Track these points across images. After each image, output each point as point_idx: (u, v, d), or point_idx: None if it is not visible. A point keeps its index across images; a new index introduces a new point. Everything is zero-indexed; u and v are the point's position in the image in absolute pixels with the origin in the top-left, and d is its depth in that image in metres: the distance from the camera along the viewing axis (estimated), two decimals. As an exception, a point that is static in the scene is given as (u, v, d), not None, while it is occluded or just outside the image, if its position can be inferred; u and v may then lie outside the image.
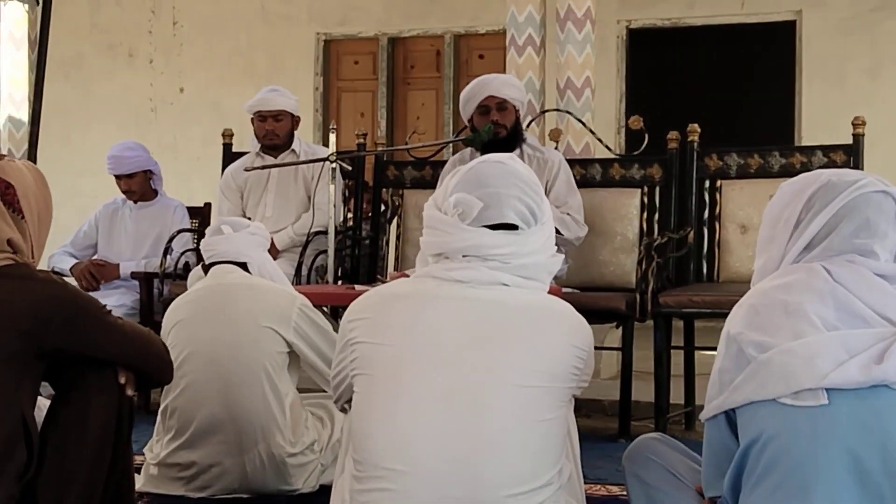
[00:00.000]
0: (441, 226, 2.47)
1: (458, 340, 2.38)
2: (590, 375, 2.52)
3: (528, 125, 5.63)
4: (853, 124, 5.01)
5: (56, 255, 5.90)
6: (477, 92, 5.02)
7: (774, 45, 9.39)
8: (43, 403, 2.63)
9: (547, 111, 6.55)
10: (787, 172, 5.02)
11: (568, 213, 5.01)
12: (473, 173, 2.48)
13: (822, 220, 2.28)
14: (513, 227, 2.45)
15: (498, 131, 4.96)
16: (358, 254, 5.72)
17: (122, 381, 2.59)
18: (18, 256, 2.52)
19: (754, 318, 2.23)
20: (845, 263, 2.23)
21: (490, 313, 2.41)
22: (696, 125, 5.27)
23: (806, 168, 4.98)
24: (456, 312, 2.41)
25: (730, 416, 2.24)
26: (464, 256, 2.45)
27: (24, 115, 7.48)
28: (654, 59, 10.24)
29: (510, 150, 4.93)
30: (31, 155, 5.59)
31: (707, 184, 5.25)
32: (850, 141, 5.01)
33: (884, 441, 2.09)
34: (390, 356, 2.41)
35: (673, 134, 5.25)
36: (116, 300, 5.45)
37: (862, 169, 4.97)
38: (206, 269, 3.78)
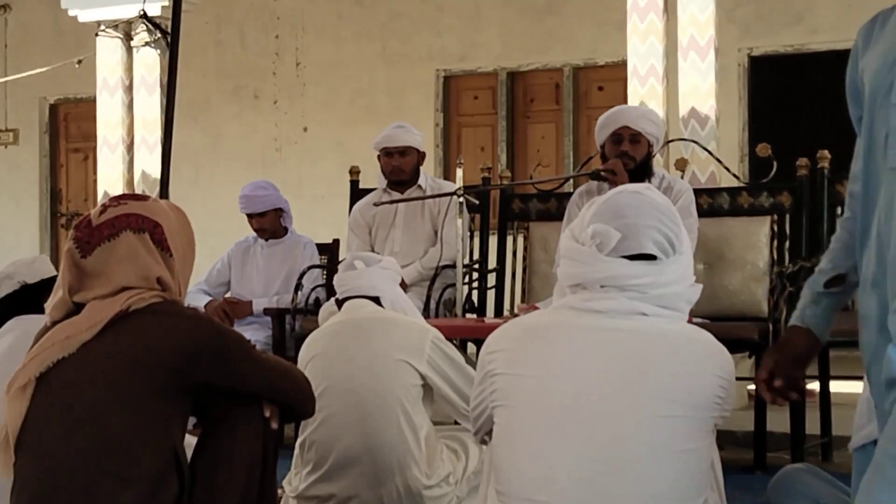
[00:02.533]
0: (579, 256, 2.47)
1: (599, 371, 2.39)
2: (732, 405, 2.50)
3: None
4: None
5: (190, 292, 6.02)
6: (613, 120, 4.99)
7: (900, 67, 9.19)
8: (189, 440, 2.69)
9: (672, 141, 6.52)
10: (920, 197, 4.92)
11: None
12: (610, 204, 2.49)
13: None
14: (651, 257, 2.45)
15: (626, 163, 4.93)
16: (485, 287, 5.75)
17: (267, 414, 2.64)
18: (167, 294, 2.59)
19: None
20: None
21: (630, 343, 2.41)
22: (825, 151, 5.21)
23: (940, 191, 4.87)
24: (595, 343, 2.42)
25: (879, 445, 2.20)
26: (602, 287, 2.45)
27: (156, 158, 7.69)
28: (777, 87, 10.11)
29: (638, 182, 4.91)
30: (164, 194, 5.76)
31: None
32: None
33: None
34: (531, 388, 2.42)
35: (802, 161, 5.19)
36: (250, 336, 5.48)
37: None
38: (340, 303, 3.83)
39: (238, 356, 2.59)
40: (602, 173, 4.91)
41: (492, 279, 5.81)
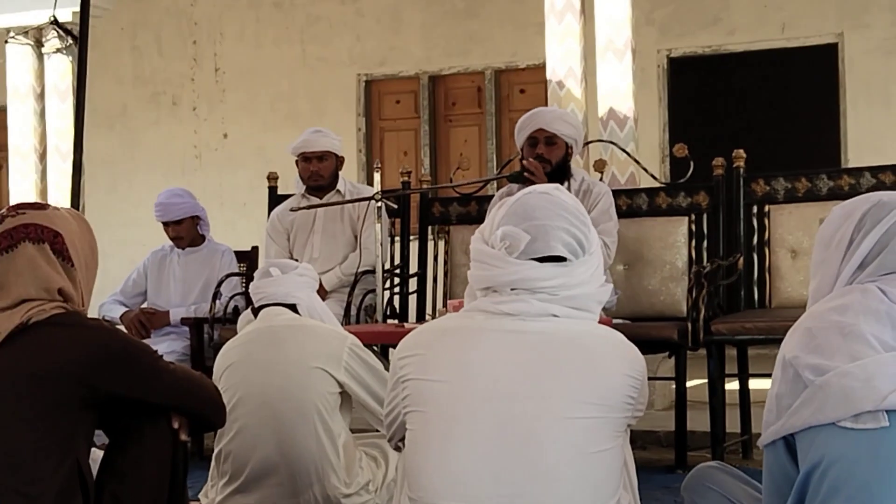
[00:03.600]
0: (489, 259, 2.46)
1: (510, 374, 2.37)
2: (644, 404, 2.49)
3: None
4: (901, 144, 4.96)
5: (106, 303, 5.94)
6: (529, 123, 5.03)
7: (816, 68, 9.34)
8: (95, 454, 2.64)
9: (591, 142, 6.54)
10: (836, 195, 4.99)
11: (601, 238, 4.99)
12: (520, 205, 2.47)
13: (874, 238, 2.27)
14: (561, 258, 2.44)
15: (543, 166, 4.95)
16: (406, 292, 5.72)
17: (176, 425, 2.59)
18: (69, 305, 2.54)
19: (810, 341, 2.20)
20: (900, 283, 2.21)
21: (541, 345, 2.39)
22: (741, 151, 5.24)
23: (854, 190, 4.94)
24: (506, 345, 2.40)
25: (789, 442, 2.21)
26: (512, 290, 2.44)
27: (69, 166, 7.56)
28: (696, 87, 10.22)
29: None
30: (75, 204, 5.66)
31: (755, 209, 5.21)
32: (898, 161, 4.97)
33: (947, 461, 2.06)
34: (442, 392, 2.40)
35: (718, 160, 5.22)
36: (167, 347, 5.47)
37: (912, 188, 4.92)
38: (256, 312, 3.79)
39: (143, 366, 2.54)
40: (524, 174, 4.91)
41: (413, 284, 5.78)
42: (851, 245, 2.30)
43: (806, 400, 2.15)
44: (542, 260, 2.43)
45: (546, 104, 7.21)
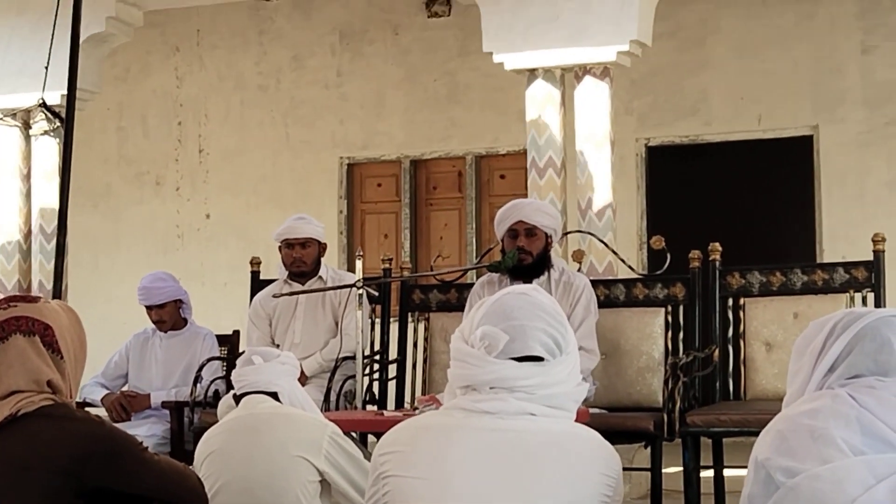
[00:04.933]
0: (468, 359, 2.51)
1: (488, 473, 2.41)
2: (620, 502, 2.54)
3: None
4: (873, 241, 5.06)
5: (87, 386, 5.95)
6: (509, 215, 5.12)
7: (792, 160, 9.47)
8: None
9: (569, 233, 6.63)
10: (810, 289, 5.08)
11: (581, 348, 5.04)
12: (499, 306, 2.54)
13: (844, 342, 2.34)
14: (538, 358, 2.50)
15: (523, 258, 5.03)
16: (386, 378, 5.76)
17: (159, 517, 2.63)
18: (58, 396, 2.58)
19: (782, 443, 2.26)
20: (867, 389, 2.27)
21: (518, 444, 2.44)
22: (717, 244, 5.33)
23: (828, 284, 5.05)
24: (485, 444, 2.45)
25: (762, 543, 2.25)
26: (491, 388, 2.49)
27: (52, 247, 7.60)
28: (674, 176, 10.33)
29: (537, 275, 5.00)
30: (58, 285, 5.70)
31: (730, 302, 5.29)
32: (870, 257, 5.06)
33: (914, 566, 2.11)
34: (422, 490, 2.44)
35: (695, 253, 5.31)
36: (147, 430, 5.49)
37: (884, 284, 5.01)
38: (238, 399, 3.82)
39: (130, 459, 2.58)
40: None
41: (392, 370, 5.82)
42: (823, 350, 2.37)
43: (777, 501, 2.20)
44: (520, 359, 2.49)
45: (526, 190, 7.31)
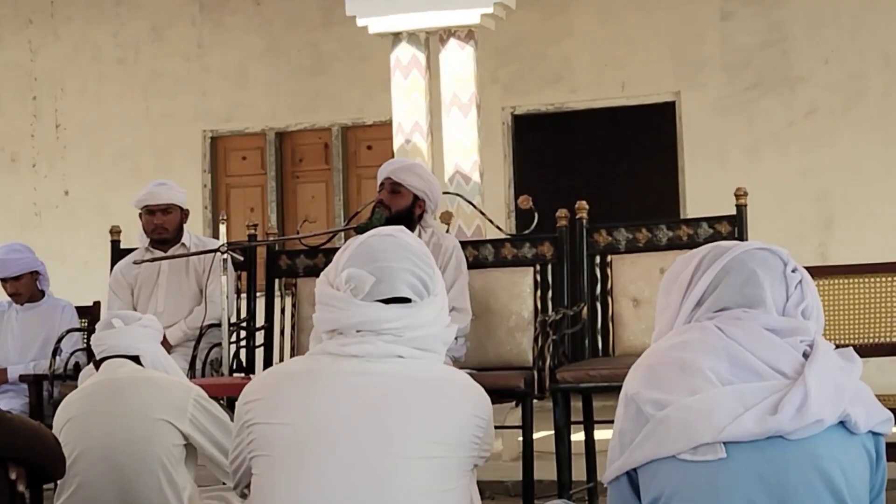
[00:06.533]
0: (334, 302, 2.46)
1: (356, 416, 2.36)
2: (491, 445, 2.51)
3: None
4: (736, 195, 5.12)
5: (-59, 362, 5.75)
6: (380, 173, 5.15)
7: (655, 125, 9.61)
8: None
9: (437, 195, 6.58)
10: (675, 245, 5.12)
11: (453, 308, 5.00)
12: (364, 248, 2.48)
13: (711, 276, 2.34)
14: (406, 299, 2.45)
15: (383, 212, 5.00)
16: (253, 345, 5.66)
17: (13, 476, 2.52)
18: None
19: (651, 377, 2.26)
20: (734, 321, 2.27)
21: (386, 386, 2.40)
22: (584, 203, 5.34)
23: (693, 240, 5.08)
24: (352, 387, 2.40)
25: (632, 477, 2.25)
26: (358, 331, 2.44)
27: None
28: (540, 144, 10.41)
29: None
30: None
31: (598, 259, 5.31)
32: (734, 212, 5.12)
33: (781, 492, 2.12)
34: (288, 436, 2.38)
35: (562, 212, 5.31)
36: (5, 404, 5.29)
37: (746, 237, 5.08)
38: (98, 364, 3.71)
39: (-23, 417, 2.46)
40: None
41: (260, 337, 5.73)
42: (690, 285, 2.37)
43: (647, 434, 2.20)
44: (387, 301, 2.44)
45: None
